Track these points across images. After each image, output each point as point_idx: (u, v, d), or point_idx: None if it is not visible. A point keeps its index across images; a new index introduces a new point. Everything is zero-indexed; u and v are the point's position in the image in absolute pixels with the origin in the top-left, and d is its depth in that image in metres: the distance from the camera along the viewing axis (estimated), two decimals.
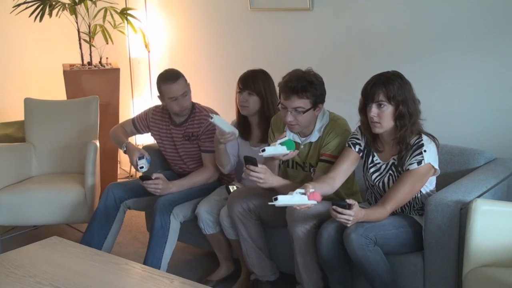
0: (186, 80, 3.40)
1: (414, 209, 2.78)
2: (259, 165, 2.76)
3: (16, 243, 3.46)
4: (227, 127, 3.11)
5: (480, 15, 3.22)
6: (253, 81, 3.23)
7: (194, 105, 3.47)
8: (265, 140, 3.19)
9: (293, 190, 2.62)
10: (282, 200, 2.52)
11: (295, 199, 2.52)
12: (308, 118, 2.89)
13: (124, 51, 5.12)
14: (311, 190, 2.54)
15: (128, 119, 3.77)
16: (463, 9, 3.27)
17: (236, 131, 3.15)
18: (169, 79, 3.35)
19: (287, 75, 2.89)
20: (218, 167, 3.38)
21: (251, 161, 2.75)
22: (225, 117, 3.40)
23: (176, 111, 3.39)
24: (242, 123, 3.34)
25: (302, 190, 2.54)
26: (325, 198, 2.68)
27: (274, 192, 2.85)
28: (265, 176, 2.76)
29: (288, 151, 2.81)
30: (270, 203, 2.53)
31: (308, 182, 2.73)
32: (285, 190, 2.79)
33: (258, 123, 3.29)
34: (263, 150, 2.77)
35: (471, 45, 3.27)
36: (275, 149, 2.80)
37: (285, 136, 2.86)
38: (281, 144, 2.81)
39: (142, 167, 3.37)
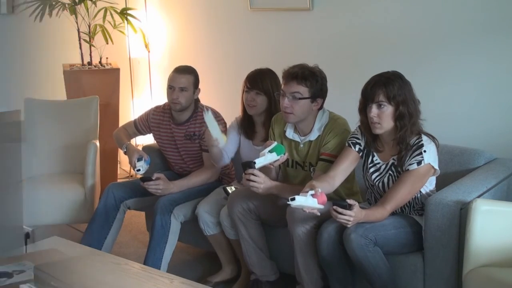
0: (195, 81, 3.40)
1: (414, 209, 2.78)
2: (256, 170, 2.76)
3: None
4: (215, 131, 3.08)
5: (481, 16, 3.22)
6: (261, 80, 3.22)
7: (197, 105, 3.47)
8: (268, 139, 3.18)
9: (292, 191, 2.62)
10: (299, 201, 2.52)
11: (309, 201, 2.53)
12: (304, 109, 2.89)
13: (124, 51, 5.12)
14: (320, 191, 2.55)
15: (130, 121, 3.79)
16: (463, 9, 3.27)
17: (222, 141, 3.12)
18: (179, 69, 3.41)
19: (293, 65, 2.91)
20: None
21: (248, 165, 2.75)
22: (226, 117, 3.41)
23: (168, 100, 3.44)
24: (247, 121, 3.34)
25: (313, 192, 2.54)
26: (326, 198, 2.68)
27: (273, 195, 2.87)
28: (264, 180, 2.77)
29: (278, 157, 2.81)
30: (287, 203, 2.54)
31: (309, 181, 2.73)
32: (284, 193, 2.80)
33: (263, 122, 3.28)
34: (254, 163, 2.75)
35: (471, 45, 3.27)
36: (265, 159, 2.79)
37: (274, 143, 2.85)
38: (270, 151, 2.80)
39: (139, 170, 3.37)
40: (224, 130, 3.33)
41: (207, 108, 3.20)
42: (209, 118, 3.08)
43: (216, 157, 3.29)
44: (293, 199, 2.51)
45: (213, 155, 3.28)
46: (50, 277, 2.14)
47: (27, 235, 3.09)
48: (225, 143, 3.16)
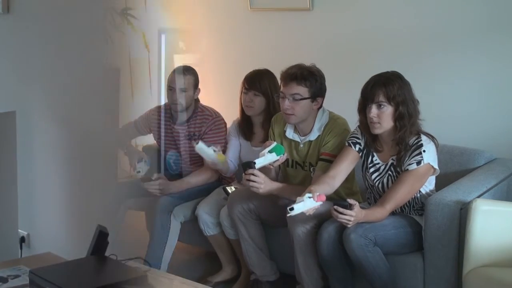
0: (194, 81, 3.41)
1: (414, 209, 2.78)
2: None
3: None
4: (209, 156, 3.15)
5: (480, 16, 3.22)
6: (259, 81, 3.22)
7: (197, 105, 3.47)
8: (267, 140, 3.18)
9: (292, 191, 2.62)
10: (298, 208, 2.53)
11: (307, 204, 2.53)
12: (304, 109, 2.89)
13: (124, 51, 5.12)
14: (317, 194, 2.55)
15: (130, 121, 3.78)
16: (463, 9, 3.27)
17: (220, 163, 3.19)
18: (179, 70, 3.41)
19: (290, 66, 2.91)
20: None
21: (248, 165, 2.75)
22: (226, 117, 3.41)
23: (168, 101, 3.43)
24: (245, 122, 3.34)
25: (310, 194, 2.55)
26: (326, 198, 2.68)
27: (273, 195, 2.87)
28: (264, 180, 2.77)
29: (278, 157, 2.81)
30: (288, 215, 2.55)
31: (308, 183, 2.74)
32: (284, 194, 2.80)
33: (262, 123, 3.29)
34: (254, 163, 2.77)
35: (471, 45, 3.27)
36: (265, 159, 2.81)
37: (273, 144, 2.85)
38: (270, 151, 2.81)
39: (138, 172, 3.37)
40: (224, 145, 3.35)
41: (196, 140, 3.23)
42: (200, 149, 3.13)
43: (223, 170, 3.34)
44: (291, 209, 2.51)
45: (219, 170, 3.34)
46: (46, 282, 2.13)
47: (22, 239, 3.09)
48: (224, 161, 3.23)
